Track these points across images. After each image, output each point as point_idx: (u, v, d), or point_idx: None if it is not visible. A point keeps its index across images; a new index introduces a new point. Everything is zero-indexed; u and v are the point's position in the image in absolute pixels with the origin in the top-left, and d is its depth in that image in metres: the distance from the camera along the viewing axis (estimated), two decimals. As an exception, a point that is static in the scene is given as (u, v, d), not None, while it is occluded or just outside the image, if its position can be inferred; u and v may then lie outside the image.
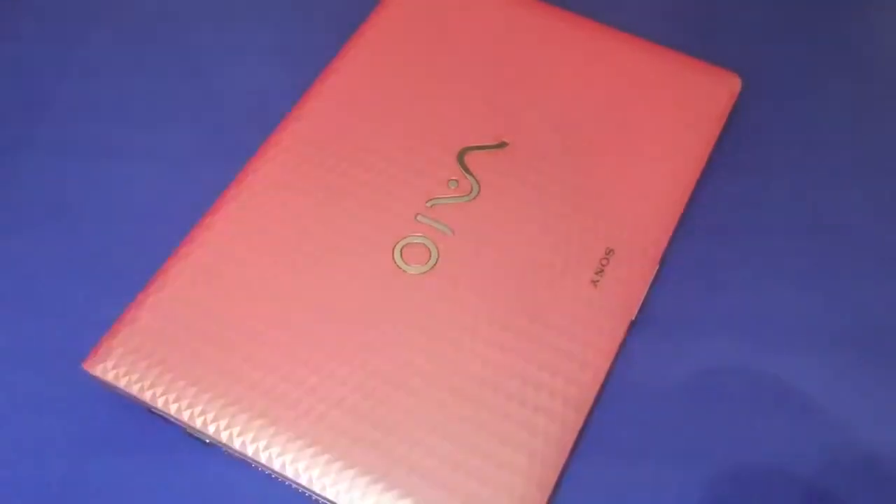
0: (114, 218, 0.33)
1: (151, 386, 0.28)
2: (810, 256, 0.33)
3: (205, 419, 0.27)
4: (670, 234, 0.31)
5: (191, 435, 0.28)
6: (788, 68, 0.38)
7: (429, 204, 0.31)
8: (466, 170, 0.32)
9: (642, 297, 0.30)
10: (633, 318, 0.30)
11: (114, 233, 0.33)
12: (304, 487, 0.27)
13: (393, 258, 0.30)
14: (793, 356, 0.31)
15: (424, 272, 0.30)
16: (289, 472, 0.26)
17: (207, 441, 0.28)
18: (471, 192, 0.32)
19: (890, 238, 0.33)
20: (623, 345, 0.31)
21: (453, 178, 0.32)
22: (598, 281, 0.30)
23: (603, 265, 0.30)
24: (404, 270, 0.30)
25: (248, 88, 0.37)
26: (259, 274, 0.30)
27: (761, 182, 0.35)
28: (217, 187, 0.33)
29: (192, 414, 0.27)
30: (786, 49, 0.38)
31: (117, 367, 0.28)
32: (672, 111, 0.34)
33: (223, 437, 0.27)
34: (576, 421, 0.28)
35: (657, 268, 0.31)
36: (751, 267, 0.33)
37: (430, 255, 0.30)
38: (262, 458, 0.27)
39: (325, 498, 0.26)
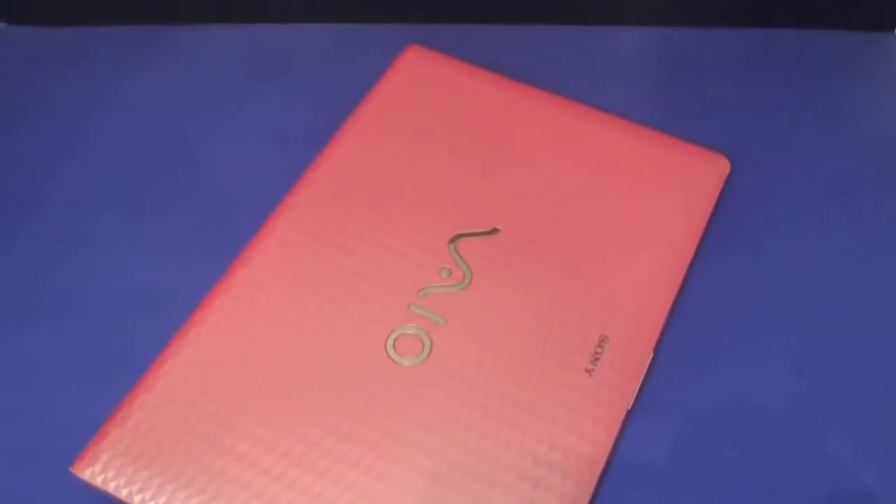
0: (105, 311, 0.33)
1: (140, 490, 0.27)
2: (803, 336, 0.33)
3: (195, 524, 0.27)
4: (665, 319, 0.31)
5: (181, 539, 0.27)
6: (776, 146, 0.38)
7: (421, 293, 0.31)
8: (459, 257, 0.32)
9: (638, 385, 0.30)
10: (630, 407, 0.29)
11: (104, 326, 0.33)
12: None
13: (386, 350, 0.30)
14: (791, 437, 0.31)
15: (418, 363, 0.30)
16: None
17: (198, 545, 0.27)
18: (463, 281, 0.32)
19: (885, 318, 0.33)
20: (621, 434, 0.30)
21: (446, 266, 0.32)
22: (592, 370, 0.30)
23: (598, 353, 0.30)
24: (397, 362, 0.30)
25: (241, 175, 0.37)
26: (251, 370, 0.29)
27: (753, 262, 0.35)
28: (210, 277, 0.33)
29: (181, 518, 0.27)
30: (772, 126, 0.39)
31: (105, 470, 0.27)
32: (662, 195, 0.34)
33: (213, 541, 0.26)
34: (575, 515, 0.27)
35: (652, 355, 0.31)
36: (745, 348, 0.33)
37: (424, 346, 0.30)
38: (254, 564, 0.26)
39: None
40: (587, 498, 0.27)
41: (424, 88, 0.37)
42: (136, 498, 0.27)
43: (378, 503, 0.27)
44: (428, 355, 0.30)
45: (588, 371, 0.30)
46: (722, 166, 0.35)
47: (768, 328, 0.33)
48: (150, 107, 0.39)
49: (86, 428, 0.30)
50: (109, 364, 0.32)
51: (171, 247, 0.35)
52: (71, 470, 0.27)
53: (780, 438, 0.31)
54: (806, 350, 0.33)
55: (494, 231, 0.33)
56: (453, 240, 0.33)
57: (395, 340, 0.30)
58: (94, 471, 0.27)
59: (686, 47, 0.42)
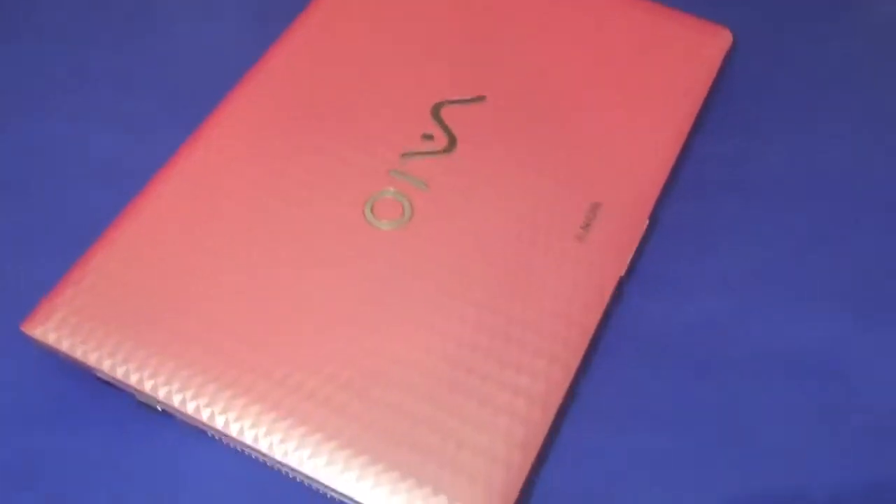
0: (63, 181, 0.31)
1: (96, 348, 0.25)
2: (804, 216, 0.31)
3: (154, 383, 0.25)
4: (660, 188, 0.29)
5: (142, 403, 0.25)
6: (783, 22, 0.36)
7: (402, 159, 0.29)
8: (442, 123, 0.30)
9: (632, 253, 0.28)
10: (623, 273, 0.28)
11: (63, 196, 0.31)
12: (264, 455, 0.24)
13: (364, 213, 0.28)
14: (790, 315, 0.29)
15: (397, 228, 0.28)
16: (247, 439, 0.24)
17: (160, 409, 0.25)
18: (447, 147, 0.30)
19: (888, 192, 0.32)
20: (612, 303, 0.29)
21: (428, 131, 0.30)
22: (583, 236, 0.28)
23: (589, 220, 0.28)
24: (375, 226, 0.28)
25: (209, 49, 0.35)
26: (218, 230, 0.27)
27: (754, 141, 0.33)
28: (173, 150, 0.31)
29: (140, 378, 0.25)
30: (780, 1, 0.37)
31: (59, 328, 0.25)
32: (660, 66, 0.32)
33: (175, 402, 0.24)
34: (562, 381, 0.25)
35: (647, 223, 0.29)
36: (744, 226, 0.31)
37: (404, 211, 0.28)
38: (219, 425, 0.24)
39: (287, 466, 0.24)
40: (576, 362, 0.26)
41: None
42: (93, 357, 0.25)
43: (352, 367, 0.25)
44: (409, 220, 0.28)
45: (579, 237, 0.28)
46: (723, 38, 0.33)
47: (769, 207, 0.31)
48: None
49: (38, 294, 0.28)
50: (63, 236, 0.30)
51: (134, 119, 0.33)
52: (21, 329, 0.25)
53: (778, 316, 0.29)
54: (807, 230, 0.31)
55: (480, 98, 0.31)
56: (436, 107, 0.31)
57: (373, 204, 0.28)
58: (47, 328, 0.25)
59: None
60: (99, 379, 0.26)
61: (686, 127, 0.31)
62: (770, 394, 0.27)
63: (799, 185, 0.32)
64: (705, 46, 0.33)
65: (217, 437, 0.25)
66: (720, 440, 0.27)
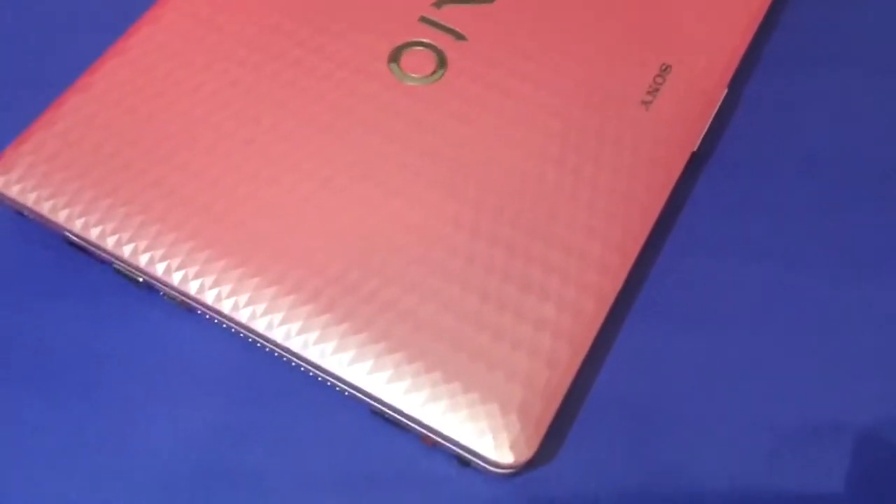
0: (26, 32, 0.27)
1: (67, 205, 0.21)
2: (909, 99, 0.26)
3: (135, 248, 0.21)
4: (741, 54, 0.25)
5: (121, 273, 0.21)
6: None
7: (436, 4, 0.25)
8: (485, -32, 0.25)
9: (706, 125, 0.24)
10: (695, 149, 0.23)
11: (27, 45, 0.26)
12: (259, 337, 0.20)
13: (388, 65, 0.24)
14: (871, 203, 0.25)
15: (428, 83, 0.23)
16: (242, 318, 0.20)
17: (141, 280, 0.21)
18: (490, -7, 0.25)
19: None
20: (681, 181, 0.24)
21: (468, -25, 0.25)
22: (650, 102, 0.23)
23: (657, 84, 0.24)
24: (401, 80, 0.23)
25: None
26: (211, 75, 0.23)
27: (849, 9, 0.28)
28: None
29: (118, 241, 0.21)
30: None
31: (24, 179, 0.21)
32: None
33: (159, 270, 0.21)
34: (620, 270, 0.21)
35: (724, 93, 0.24)
36: (835, 101, 0.26)
37: (437, 64, 0.24)
38: (209, 299, 0.20)
39: (287, 351, 0.20)
40: (635, 252, 0.21)
41: None
42: (62, 214, 0.21)
43: (370, 240, 0.21)
44: (441, 76, 0.24)
45: (645, 103, 0.23)
46: None
47: (864, 83, 0.27)
48: None
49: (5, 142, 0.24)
50: (32, 84, 0.25)
51: None
52: (-20, 179, 0.21)
53: (867, 195, 0.25)
54: (909, 112, 0.26)
55: (532, -59, 0.26)
56: (479, -53, 0.26)
57: (400, 54, 0.24)
58: (10, 179, 0.21)
59: None
60: (71, 244, 0.22)
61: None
62: (832, 291, 0.23)
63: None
64: None
65: (207, 316, 0.21)
66: (781, 346, 0.22)
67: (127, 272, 0.21)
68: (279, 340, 0.20)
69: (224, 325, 0.21)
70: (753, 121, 0.26)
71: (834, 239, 0.24)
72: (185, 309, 0.22)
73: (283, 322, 0.20)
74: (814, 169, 0.25)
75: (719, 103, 0.24)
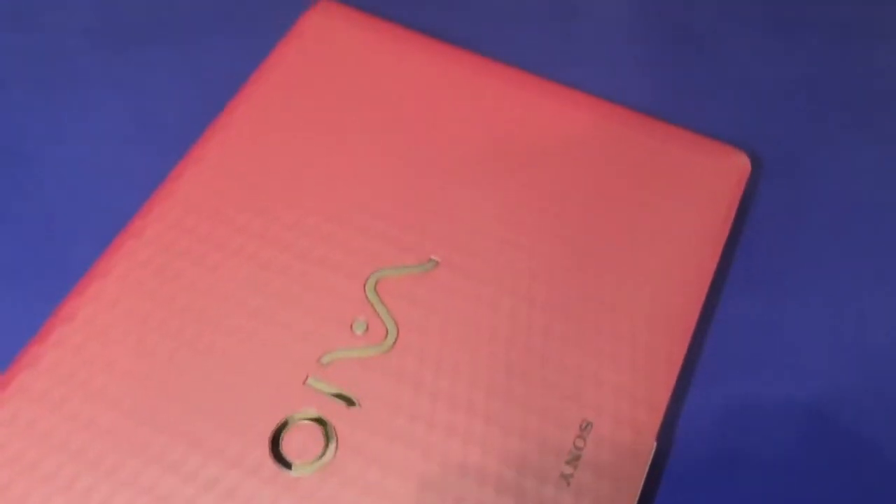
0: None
1: None
2: (831, 385, 0.24)
3: None
4: (668, 397, 0.22)
5: None
6: (804, 136, 0.29)
7: (324, 361, 0.22)
8: (380, 304, 0.23)
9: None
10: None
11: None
12: None
13: (270, 452, 0.20)
14: None
15: (315, 471, 0.20)
16: None
17: None
18: (385, 340, 0.22)
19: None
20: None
21: (360, 317, 0.22)
22: (571, 475, 0.21)
23: (578, 448, 0.21)
24: (286, 469, 0.20)
25: (87, 183, 0.27)
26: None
27: (784, 298, 0.26)
28: (28, 329, 0.23)
29: None
30: (797, 110, 0.29)
31: None
32: (670, 200, 0.25)
33: None
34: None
35: (655, 445, 0.21)
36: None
37: (326, 444, 0.21)
38: None
39: None
40: None
41: (336, 58, 0.27)
42: None
43: None
44: (332, 457, 0.20)
45: (565, 478, 0.21)
46: (740, 165, 0.26)
47: (800, 382, 0.24)
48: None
49: None
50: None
51: (-22, 287, 0.25)
52: None
53: None
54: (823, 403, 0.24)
55: (430, 263, 0.23)
56: (372, 278, 0.23)
57: (284, 434, 0.21)
58: None
59: (678, 6, 0.32)
60: None
61: (701, 296, 0.23)
62: None
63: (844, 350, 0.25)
64: (720, 178, 0.25)
65: None
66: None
67: None
68: None
69: None
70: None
71: None
72: None
73: None
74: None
75: (650, 457, 0.21)
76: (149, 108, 0.28)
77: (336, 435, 0.21)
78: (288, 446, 0.20)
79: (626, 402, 0.21)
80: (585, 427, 0.21)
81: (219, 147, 0.25)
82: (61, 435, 0.20)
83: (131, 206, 0.26)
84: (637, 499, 0.20)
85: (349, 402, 0.21)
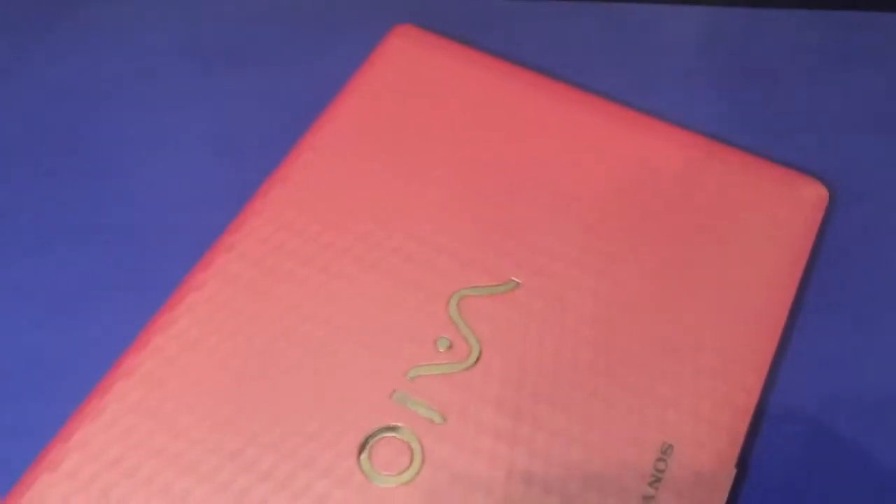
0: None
1: None
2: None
3: None
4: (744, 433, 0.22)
5: None
6: (880, 165, 0.29)
7: (410, 376, 0.22)
8: (462, 323, 0.23)
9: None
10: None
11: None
12: None
13: (359, 462, 0.21)
14: None
15: (401, 484, 0.21)
16: None
17: None
18: (469, 357, 0.23)
19: None
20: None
21: (445, 335, 0.23)
22: (653, 497, 0.21)
23: (660, 471, 0.21)
24: (373, 481, 0.21)
25: (173, 199, 0.28)
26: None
27: (857, 324, 0.26)
28: (119, 342, 0.24)
29: None
30: (867, 145, 0.30)
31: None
32: (749, 229, 0.25)
33: None
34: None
35: (735, 470, 0.22)
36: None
37: (412, 457, 0.21)
38: None
39: None
40: None
41: (418, 80, 0.27)
42: None
43: None
44: (417, 472, 0.21)
45: (647, 499, 0.21)
46: (818, 195, 0.26)
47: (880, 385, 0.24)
48: (55, 106, 0.30)
49: None
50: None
51: (74, 297, 0.26)
52: None
53: None
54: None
55: (511, 284, 0.24)
56: (454, 297, 0.24)
57: (370, 448, 0.21)
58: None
59: (750, 32, 0.32)
60: None
61: (777, 331, 0.24)
62: None
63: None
64: (798, 208, 0.25)
65: None
66: None
67: None
68: None
69: None
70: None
71: None
72: None
73: None
74: None
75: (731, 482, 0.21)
76: (234, 127, 0.29)
77: (422, 449, 0.21)
78: (375, 458, 0.21)
79: (707, 428, 0.22)
80: (666, 450, 0.21)
81: (305, 166, 0.26)
82: (158, 441, 0.21)
83: (217, 222, 0.27)
84: (718, 523, 0.21)
85: (435, 417, 0.22)
